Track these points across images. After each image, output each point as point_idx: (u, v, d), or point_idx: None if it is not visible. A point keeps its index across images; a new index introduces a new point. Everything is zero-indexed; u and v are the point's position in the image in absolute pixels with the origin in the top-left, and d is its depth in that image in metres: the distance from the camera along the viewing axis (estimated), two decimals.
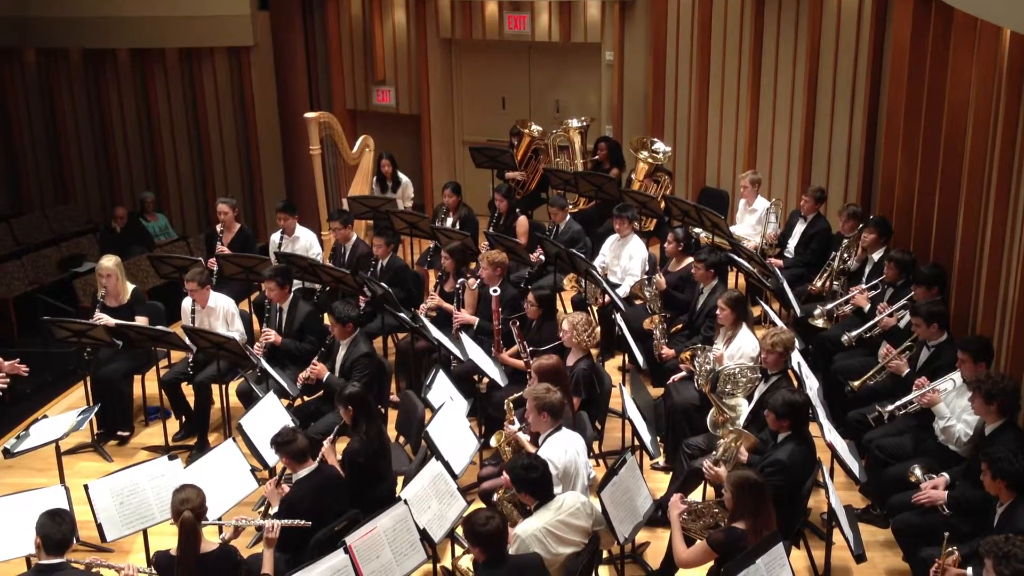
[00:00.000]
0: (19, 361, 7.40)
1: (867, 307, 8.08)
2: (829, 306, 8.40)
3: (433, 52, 13.36)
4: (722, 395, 7.15)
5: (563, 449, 6.09)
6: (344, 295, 9.09)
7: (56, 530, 5.15)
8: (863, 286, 8.37)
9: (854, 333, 7.78)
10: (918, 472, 6.07)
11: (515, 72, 13.46)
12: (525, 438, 6.56)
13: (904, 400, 6.64)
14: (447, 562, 6.33)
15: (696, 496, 6.65)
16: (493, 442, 6.97)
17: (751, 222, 10.28)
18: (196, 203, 14.63)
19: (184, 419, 8.51)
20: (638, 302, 8.95)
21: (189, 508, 5.20)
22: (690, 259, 8.70)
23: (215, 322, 8.34)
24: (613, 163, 11.56)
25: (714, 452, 6.34)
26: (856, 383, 7.18)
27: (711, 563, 5.56)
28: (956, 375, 6.58)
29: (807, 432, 6.22)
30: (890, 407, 6.66)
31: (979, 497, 5.71)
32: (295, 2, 13.71)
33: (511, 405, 6.87)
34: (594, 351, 8.38)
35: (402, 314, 8.27)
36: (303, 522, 5.61)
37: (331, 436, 6.61)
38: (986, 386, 5.92)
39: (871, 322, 7.80)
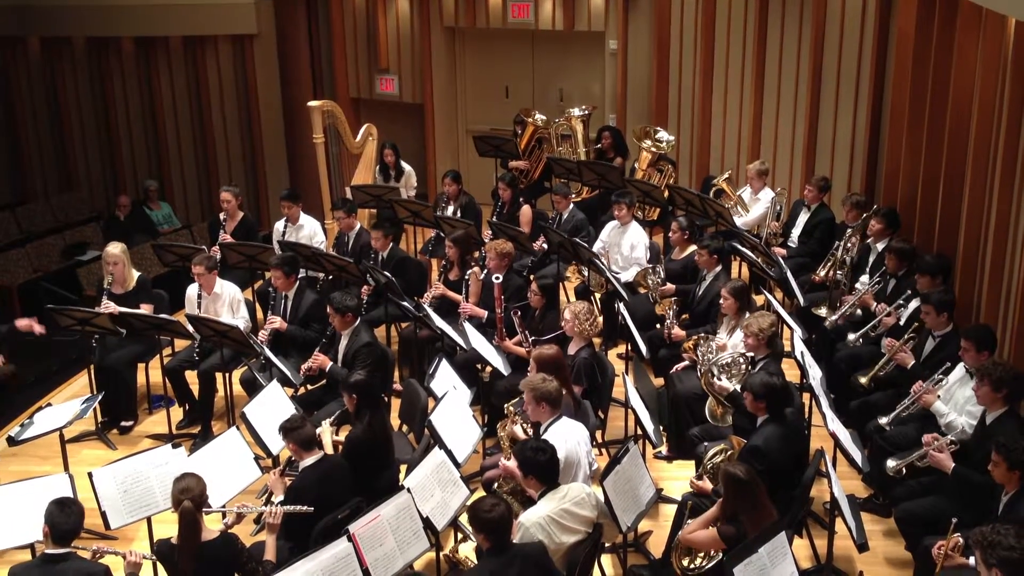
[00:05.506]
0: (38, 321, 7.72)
1: (874, 306, 8.02)
2: (837, 315, 8.12)
3: (436, 40, 13.34)
4: None
5: (564, 439, 6.09)
6: (347, 284, 9.10)
7: (64, 520, 5.18)
8: (865, 280, 8.34)
9: (858, 334, 7.77)
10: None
11: (518, 61, 13.44)
12: (523, 436, 6.56)
13: (901, 408, 6.63)
14: (448, 550, 6.35)
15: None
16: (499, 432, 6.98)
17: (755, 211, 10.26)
18: (199, 191, 14.63)
19: (188, 407, 8.54)
20: (642, 290, 8.96)
21: (189, 497, 5.21)
22: (694, 247, 8.70)
23: (221, 308, 8.35)
24: (617, 152, 11.55)
25: (700, 467, 6.39)
26: (864, 379, 7.16)
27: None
28: (954, 374, 6.59)
29: (800, 414, 6.22)
30: (892, 415, 6.66)
31: (981, 482, 5.72)
32: None
33: (512, 409, 6.87)
34: (596, 340, 8.38)
35: (405, 303, 8.28)
36: (305, 508, 5.64)
37: (330, 419, 6.63)
38: (996, 373, 5.91)
39: (872, 323, 7.77)
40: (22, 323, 7.83)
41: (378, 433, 6.43)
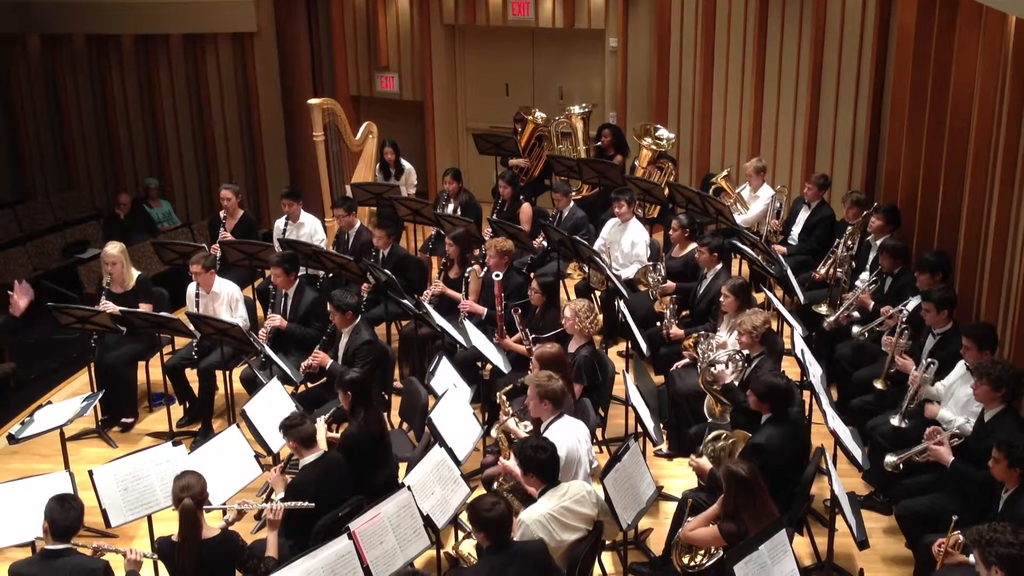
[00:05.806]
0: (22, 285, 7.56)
1: (871, 305, 8.01)
2: (834, 316, 8.03)
3: (436, 38, 13.34)
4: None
5: (564, 437, 6.09)
6: (348, 282, 9.10)
7: (64, 516, 5.18)
8: (865, 277, 8.33)
9: (864, 328, 7.75)
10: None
11: (518, 58, 13.43)
12: (520, 432, 6.56)
13: (906, 403, 6.62)
14: (451, 548, 6.35)
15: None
16: (493, 433, 6.98)
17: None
18: (200, 189, 14.63)
19: (188, 405, 8.54)
20: (642, 288, 8.96)
21: (189, 495, 5.21)
22: (694, 245, 8.70)
23: (219, 307, 8.35)
24: (617, 150, 11.54)
25: (702, 446, 6.39)
26: (879, 383, 7.14)
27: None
28: (954, 372, 6.59)
29: (800, 414, 6.21)
30: (900, 412, 6.64)
31: (979, 477, 5.72)
32: None
33: (504, 398, 6.86)
34: (596, 338, 8.38)
35: (405, 301, 8.28)
36: (306, 504, 5.65)
37: (325, 416, 6.62)
38: (995, 372, 5.90)
39: (877, 320, 7.75)
40: (15, 305, 7.57)
41: (373, 430, 6.43)
